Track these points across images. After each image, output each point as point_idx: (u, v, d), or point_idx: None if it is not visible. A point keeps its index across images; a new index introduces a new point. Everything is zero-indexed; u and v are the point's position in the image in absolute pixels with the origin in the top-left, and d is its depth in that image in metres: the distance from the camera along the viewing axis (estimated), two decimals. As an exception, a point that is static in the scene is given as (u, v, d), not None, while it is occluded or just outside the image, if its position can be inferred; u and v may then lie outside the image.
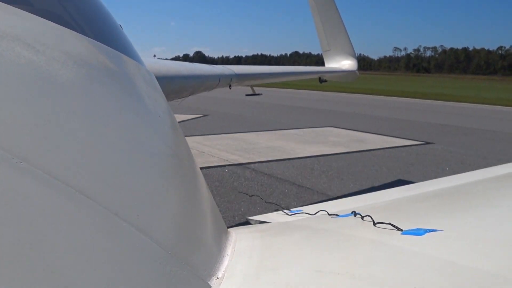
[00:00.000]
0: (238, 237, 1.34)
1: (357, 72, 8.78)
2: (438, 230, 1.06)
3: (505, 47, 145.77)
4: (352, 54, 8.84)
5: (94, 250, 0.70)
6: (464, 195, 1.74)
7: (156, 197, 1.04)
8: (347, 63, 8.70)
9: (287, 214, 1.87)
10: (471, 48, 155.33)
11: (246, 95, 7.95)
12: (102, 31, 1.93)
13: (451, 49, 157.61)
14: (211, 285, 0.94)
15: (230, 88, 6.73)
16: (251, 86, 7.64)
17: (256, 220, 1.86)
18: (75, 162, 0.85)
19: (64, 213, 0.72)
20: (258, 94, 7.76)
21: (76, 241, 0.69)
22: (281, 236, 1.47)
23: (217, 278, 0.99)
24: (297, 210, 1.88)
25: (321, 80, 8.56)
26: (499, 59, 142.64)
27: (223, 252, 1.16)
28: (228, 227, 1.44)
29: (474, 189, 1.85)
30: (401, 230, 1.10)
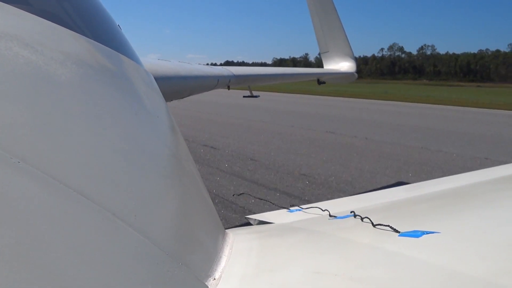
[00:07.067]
0: (235, 238, 1.34)
1: (355, 73, 8.79)
2: (435, 232, 1.06)
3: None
4: (351, 55, 8.85)
5: (91, 250, 0.70)
6: (464, 196, 1.73)
7: (154, 198, 1.03)
8: (345, 65, 8.71)
9: (286, 212, 1.87)
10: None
11: (244, 96, 7.94)
12: (101, 31, 1.92)
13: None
14: (208, 285, 0.94)
15: (229, 89, 6.72)
16: (249, 88, 7.62)
17: (255, 219, 1.85)
18: (73, 162, 0.85)
19: (62, 213, 0.71)
20: (256, 96, 7.74)
21: (73, 241, 0.68)
22: (279, 237, 1.47)
23: (214, 279, 0.99)
24: (295, 209, 1.88)
25: (319, 82, 8.56)
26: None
27: (221, 253, 1.16)
28: (226, 228, 1.44)
29: (473, 190, 1.84)
30: (399, 232, 1.10)
